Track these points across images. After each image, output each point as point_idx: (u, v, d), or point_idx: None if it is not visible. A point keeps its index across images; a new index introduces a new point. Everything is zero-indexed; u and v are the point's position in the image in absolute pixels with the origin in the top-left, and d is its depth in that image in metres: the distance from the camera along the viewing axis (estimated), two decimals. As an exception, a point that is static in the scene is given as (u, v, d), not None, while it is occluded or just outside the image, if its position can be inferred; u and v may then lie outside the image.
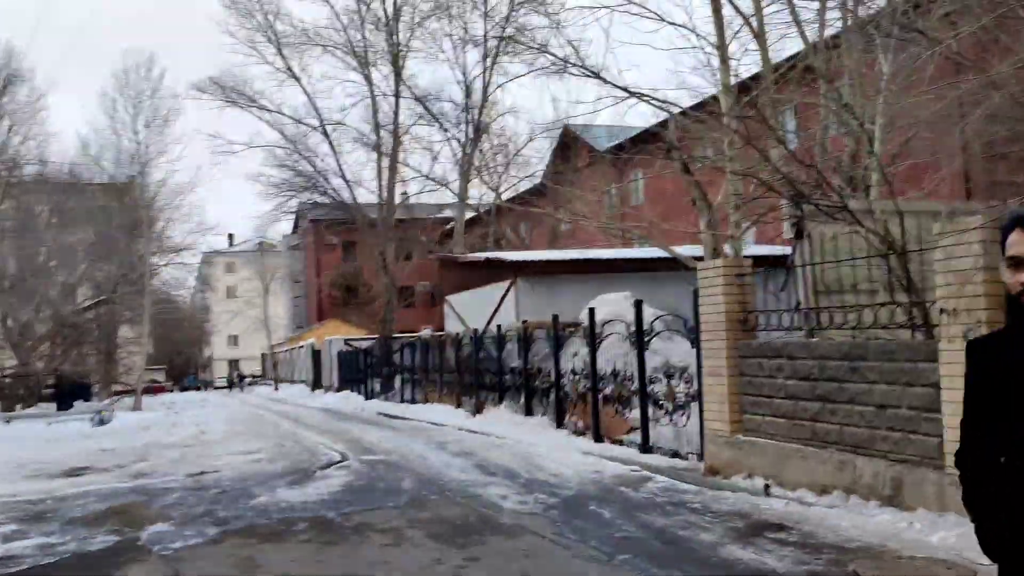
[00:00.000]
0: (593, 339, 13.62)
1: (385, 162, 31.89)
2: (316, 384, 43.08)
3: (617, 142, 38.73)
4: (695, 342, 10.75)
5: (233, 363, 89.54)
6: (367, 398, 30.80)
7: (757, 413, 9.24)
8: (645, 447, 11.96)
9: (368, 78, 33.04)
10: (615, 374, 13.03)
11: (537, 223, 34.88)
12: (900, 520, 7.06)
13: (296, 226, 70.59)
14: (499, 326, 18.40)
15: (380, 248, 32.08)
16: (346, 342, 39.45)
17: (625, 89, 13.32)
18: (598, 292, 19.34)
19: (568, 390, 14.78)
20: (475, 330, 19.71)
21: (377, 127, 32.13)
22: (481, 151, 33.31)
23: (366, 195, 32.22)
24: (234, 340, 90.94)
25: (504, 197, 33.18)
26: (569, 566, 6.43)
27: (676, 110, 13.99)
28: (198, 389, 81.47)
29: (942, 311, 6.80)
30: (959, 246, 6.64)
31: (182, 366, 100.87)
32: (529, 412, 16.55)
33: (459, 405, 20.77)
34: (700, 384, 10.60)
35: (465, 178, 32.60)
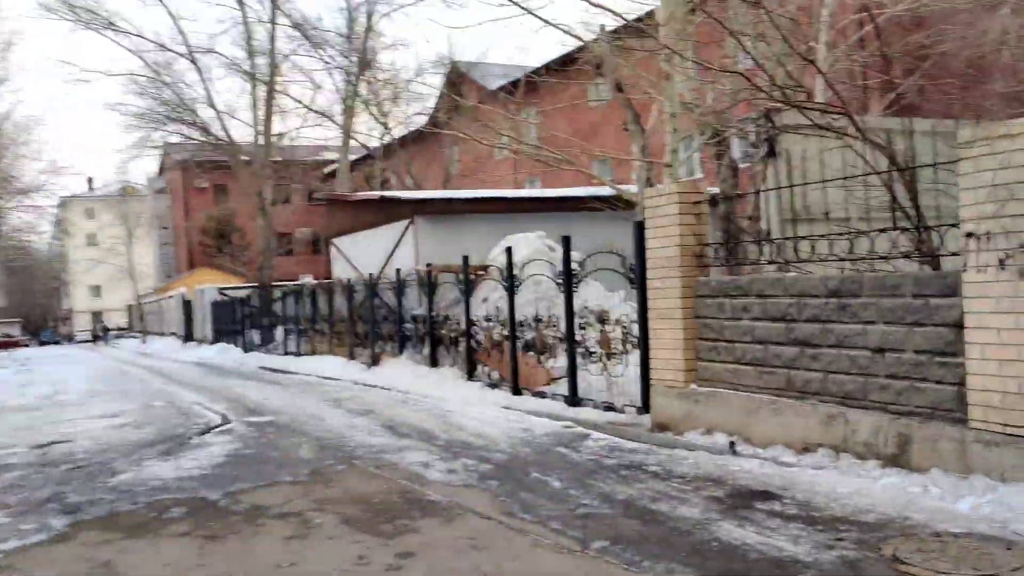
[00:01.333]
0: (511, 281, 12.20)
1: (261, 93, 29.25)
2: (188, 337, 40.25)
3: (512, 79, 37.16)
4: (636, 281, 9.47)
5: (96, 315, 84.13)
6: (246, 351, 28.59)
7: (716, 360, 8.04)
8: (573, 399, 10.69)
9: (241, 0, 30.14)
10: (537, 320, 11.67)
11: (430, 163, 33.03)
12: (911, 484, 5.98)
13: (162, 168, 66.18)
14: (398, 270, 16.74)
15: (257, 188, 29.60)
16: (220, 291, 36.74)
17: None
18: (505, 234, 17.89)
19: (480, 339, 13.35)
20: (370, 275, 17.97)
21: (251, 54, 29.43)
22: (369, 82, 31.01)
23: (240, 129, 29.57)
24: (97, 291, 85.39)
25: (394, 134, 31.05)
26: (537, 560, 5.04)
27: (599, 29, 12.57)
28: (57, 343, 76.18)
29: (969, 235, 5.66)
30: (996, 155, 5.49)
31: (39, 319, 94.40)
32: (435, 363, 15.06)
33: (352, 357, 19.07)
34: (644, 330, 9.36)
35: (350, 112, 30.29)
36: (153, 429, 11.19)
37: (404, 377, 15.32)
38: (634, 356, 9.84)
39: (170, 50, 29.41)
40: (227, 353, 29.57)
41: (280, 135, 32.84)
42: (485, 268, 14.08)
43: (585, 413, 10.14)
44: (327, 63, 32.02)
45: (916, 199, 6.26)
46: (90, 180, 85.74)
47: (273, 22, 30.12)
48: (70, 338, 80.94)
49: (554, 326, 11.24)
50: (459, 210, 18.52)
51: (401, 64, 50.78)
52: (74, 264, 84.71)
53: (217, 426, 11.18)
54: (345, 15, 31.66)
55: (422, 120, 34.42)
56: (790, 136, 7.78)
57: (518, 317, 12.19)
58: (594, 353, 10.31)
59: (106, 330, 59.60)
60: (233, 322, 31.30)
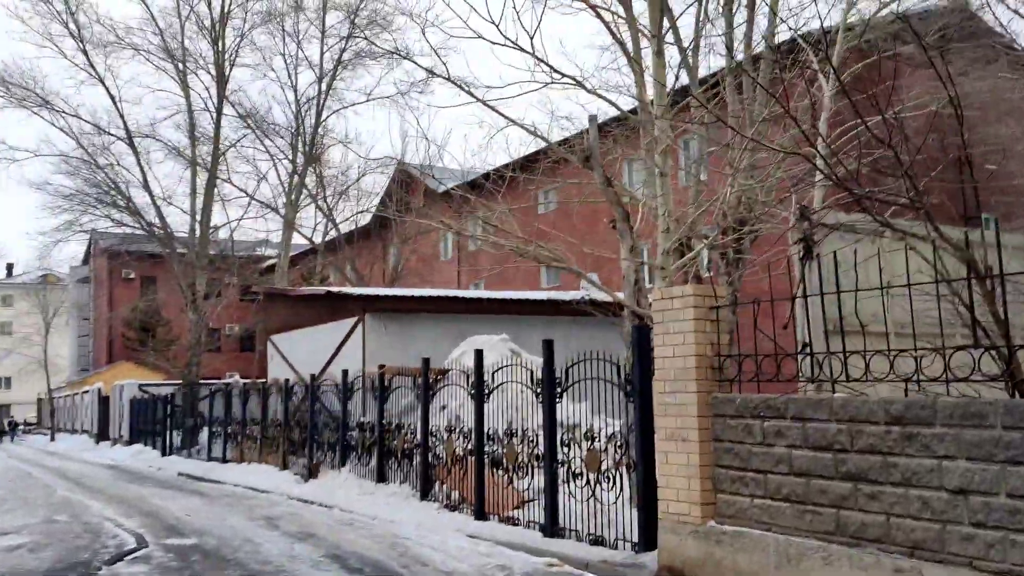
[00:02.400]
0: (480, 387, 10.92)
1: (201, 181, 27.94)
2: (103, 435, 37.49)
3: (467, 179, 36.60)
4: (635, 394, 8.30)
5: (3, 408, 79.00)
6: (164, 453, 26.41)
7: (743, 493, 6.83)
8: (552, 529, 9.30)
9: (186, 87, 29.10)
10: (510, 433, 10.35)
11: (374, 261, 31.81)
12: (1023, 666, 4.79)
13: (88, 256, 63.58)
14: (345, 371, 15.28)
15: (190, 280, 27.91)
16: (141, 387, 34.38)
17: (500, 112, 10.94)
18: (460, 336, 16.72)
19: (440, 452, 11.93)
20: (311, 375, 16.45)
21: (194, 141, 28.19)
22: (316, 175, 29.92)
23: (176, 217, 27.99)
24: (6, 382, 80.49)
25: (340, 229, 29.85)
26: None
27: (587, 121, 11.77)
28: (-44, 437, 70.98)
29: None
30: None
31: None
32: (382, 478, 13.50)
33: (285, 466, 17.31)
34: (645, 451, 8.14)
35: (293, 205, 29.07)
36: (52, 554, 9.37)
37: (346, 493, 13.69)
38: (629, 480, 8.57)
39: (108, 132, 28.08)
40: (144, 455, 27.29)
41: (217, 227, 31.40)
42: (444, 372, 12.79)
43: (569, 547, 8.76)
44: (271, 155, 30.99)
45: (1003, 314, 5.31)
46: (9, 267, 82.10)
47: (219, 110, 29.10)
48: (-27, 432, 75.68)
49: (531, 441, 9.93)
50: (411, 308, 17.28)
51: (349, 160, 50.12)
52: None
53: (131, 551, 9.43)
54: (293, 109, 30.64)
55: (367, 216, 33.40)
56: (828, 237, 6.89)
57: (488, 429, 10.86)
58: (579, 475, 9.00)
59: (13, 425, 55.54)
60: (153, 421, 29.06)
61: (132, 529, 11.17)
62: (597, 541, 8.71)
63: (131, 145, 27.64)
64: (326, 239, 30.36)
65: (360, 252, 32.05)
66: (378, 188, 35.01)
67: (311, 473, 15.76)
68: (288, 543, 9.91)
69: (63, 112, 28.53)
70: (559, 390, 9.53)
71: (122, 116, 28.42)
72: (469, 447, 11.20)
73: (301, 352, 19.72)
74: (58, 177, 31.65)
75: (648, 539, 8.02)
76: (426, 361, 12.55)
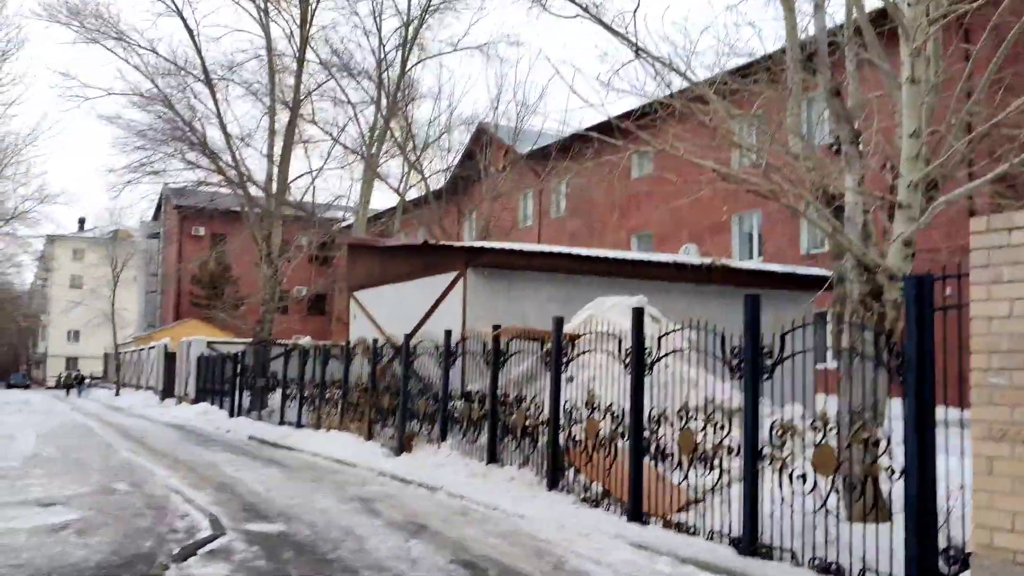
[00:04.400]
0: (640, 356, 8.62)
1: (281, 125, 26.00)
2: (167, 392, 36.22)
3: (554, 141, 34.19)
4: (907, 371, 5.90)
5: (71, 361, 79.40)
6: (232, 414, 24.70)
7: None
8: (753, 546, 6.98)
9: (267, 28, 27.16)
10: (685, 414, 8.01)
11: (461, 219, 29.68)
12: None
13: (158, 212, 62.92)
14: (448, 331, 13.12)
15: (265, 231, 26.09)
16: (209, 344, 32.93)
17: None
18: (573, 299, 14.46)
19: (578, 433, 9.67)
20: (406, 336, 14.34)
21: (273, 80, 26.23)
22: (405, 122, 27.68)
23: (253, 163, 26.08)
24: (74, 335, 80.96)
25: (428, 182, 27.68)
26: None
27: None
28: (27, 387, 71.39)
29: None
30: None
31: (10, 359, 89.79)
32: (493, 459, 11.32)
33: (371, 436, 15.28)
34: (911, 449, 5.77)
35: (375, 156, 26.89)
36: (106, 540, 7.37)
37: (450, 473, 11.55)
38: (875, 491, 6.20)
39: (185, 70, 26.24)
40: (210, 416, 25.65)
41: (296, 177, 29.39)
42: (575, 338, 10.51)
43: (784, 573, 6.44)
44: (353, 105, 28.87)
45: None
46: (81, 221, 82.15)
47: (301, 54, 27.00)
48: (42, 383, 76.20)
49: (718, 427, 7.58)
50: (519, 265, 15.02)
51: (437, 113, 47.94)
52: (54, 305, 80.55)
53: (206, 540, 7.38)
54: (377, 55, 28.40)
55: (451, 174, 31.24)
56: None
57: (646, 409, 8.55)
58: (800, 478, 6.64)
59: (80, 379, 54.98)
60: (221, 380, 27.42)
61: (204, 507, 9.17)
62: (827, 569, 6.36)
63: (208, 83, 25.81)
64: (405, 193, 28.07)
65: (448, 211, 29.91)
66: (457, 145, 32.82)
67: (403, 446, 13.68)
68: (398, 538, 7.77)
69: (138, 46, 26.82)
70: (770, 363, 7.16)
71: (199, 51, 26.57)
72: (620, 430, 8.91)
73: (389, 310, 17.66)
74: (131, 112, 29.98)
75: (923, 573, 5.66)
76: (559, 321, 10.27)
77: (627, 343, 8.97)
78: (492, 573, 6.63)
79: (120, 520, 8.27)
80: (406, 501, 10.18)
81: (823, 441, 6.57)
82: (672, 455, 8.14)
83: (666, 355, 8.42)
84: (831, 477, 6.52)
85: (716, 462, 7.63)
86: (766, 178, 8.01)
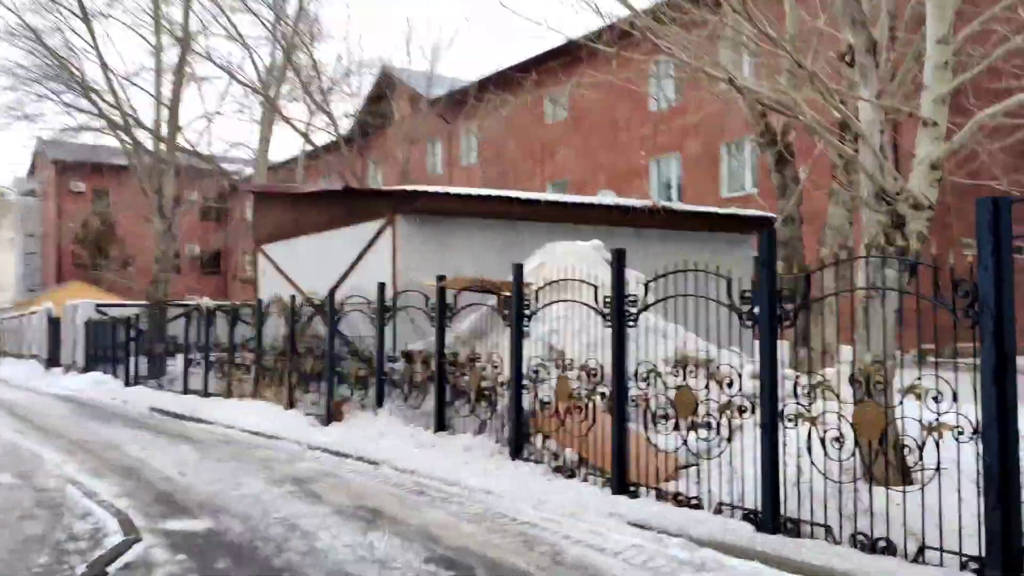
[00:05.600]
0: (621, 305, 7.51)
1: (171, 68, 23.56)
2: (53, 361, 33.45)
3: (459, 87, 32.56)
4: (984, 317, 4.95)
5: (-57, 331, 73.72)
6: (128, 383, 22.68)
7: None
8: (775, 519, 6.02)
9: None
10: (683, 368, 6.96)
11: (383, 162, 27.83)
12: None
13: (33, 168, 58.46)
14: (381, 285, 11.74)
15: (156, 183, 23.84)
16: (98, 308, 30.37)
17: None
18: (513, 246, 13.32)
19: (546, 393, 8.54)
20: (331, 291, 12.88)
21: (158, 22, 23.74)
22: (310, 59, 25.50)
23: (140, 104, 23.58)
24: (-55, 303, 75.20)
25: (337, 124, 25.68)
26: None
27: None
28: None
29: None
30: None
31: None
32: (443, 426, 10.11)
33: (292, 404, 13.84)
34: (993, 406, 4.85)
35: (272, 98, 24.73)
36: (-13, 555, 5.88)
37: (394, 444, 10.30)
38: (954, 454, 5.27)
39: (58, 3, 23.38)
40: (104, 385, 23.50)
41: (188, 124, 26.83)
42: (541, 287, 9.34)
43: (832, 555, 5.48)
44: (246, 44, 26.52)
45: None
46: (-52, 179, 75.95)
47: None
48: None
49: (724, 383, 6.55)
50: (454, 211, 13.68)
51: (336, 58, 45.21)
52: (-80, 271, 74.59)
53: (117, 552, 5.93)
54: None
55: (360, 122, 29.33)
56: None
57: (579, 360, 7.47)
58: (837, 442, 5.68)
59: (-47, 349, 50.87)
60: (113, 347, 25.23)
61: (110, 501, 7.67)
62: (873, 546, 5.44)
63: (85, 19, 23.06)
64: (311, 136, 26.02)
65: (359, 157, 28.05)
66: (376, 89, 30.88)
67: (331, 415, 12.33)
68: (354, 531, 6.52)
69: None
70: (792, 309, 6.13)
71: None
72: (600, 390, 7.82)
73: (304, 265, 16.08)
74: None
75: (1008, 554, 4.79)
76: (518, 268, 9.07)
77: (607, 292, 7.84)
78: (480, 573, 5.48)
79: (2, 527, 6.73)
80: (348, 480, 8.90)
81: (863, 399, 5.61)
82: (667, 417, 7.09)
83: (656, 303, 7.32)
84: (873, 440, 5.58)
85: (723, 424, 6.61)
86: (783, 91, 6.90)
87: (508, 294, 9.52)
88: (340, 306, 12.62)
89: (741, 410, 6.43)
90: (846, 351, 7.12)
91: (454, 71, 36.27)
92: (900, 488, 5.48)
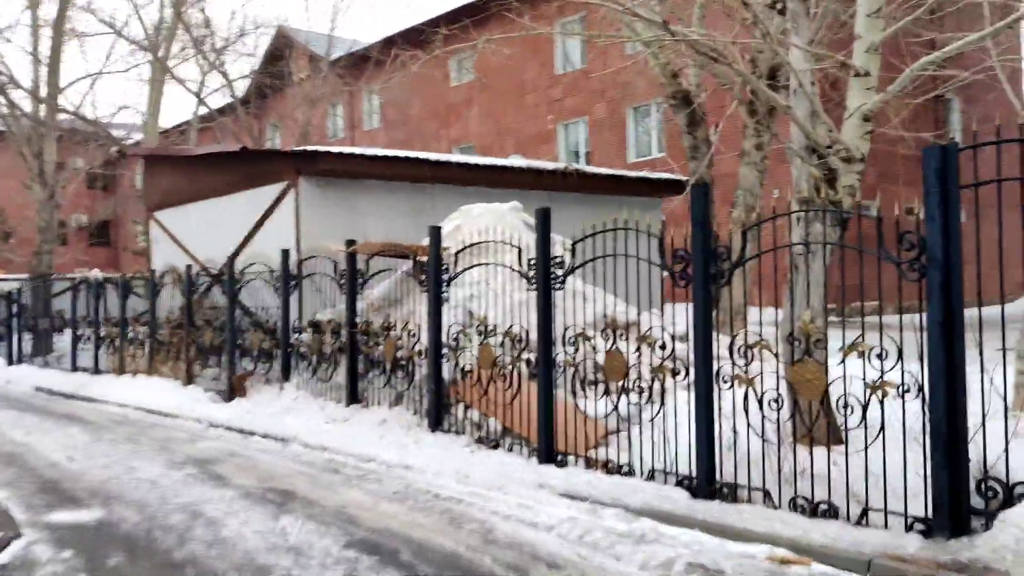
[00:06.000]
0: (546, 267, 7.13)
1: (50, 22, 21.86)
2: (-74, 340, 31.19)
3: (359, 48, 31.46)
4: (932, 269, 4.74)
5: None
6: (11, 362, 21.27)
7: None
8: (710, 484, 5.79)
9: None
10: (613, 331, 6.63)
11: (282, 125, 26.55)
12: None
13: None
14: (285, 251, 11.07)
15: (35, 147, 22.23)
16: (-25, 283, 28.41)
17: None
18: (423, 211, 12.87)
19: (467, 361, 8.11)
20: (229, 258, 12.12)
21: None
22: (203, 17, 24.04)
23: (15, 62, 21.83)
24: None
25: (232, 86, 24.32)
26: None
27: None
28: None
29: None
30: None
31: None
32: (355, 398, 9.58)
33: (190, 380, 13.04)
34: (938, 362, 4.68)
35: (166, 49, 23.22)
36: None
37: (300, 419, 9.74)
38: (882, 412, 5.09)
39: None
40: (-17, 365, 21.99)
41: (70, 84, 24.90)
42: (459, 250, 8.88)
43: (774, 520, 5.27)
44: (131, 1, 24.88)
45: None
46: None
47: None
48: None
49: (660, 346, 6.25)
50: (360, 173, 13.01)
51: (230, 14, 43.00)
52: None
53: (-10, 550, 5.29)
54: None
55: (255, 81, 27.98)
56: None
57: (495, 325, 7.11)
58: (767, 400, 5.45)
59: None
60: (-7, 323, 23.61)
61: (-14, 492, 6.93)
62: (815, 509, 5.25)
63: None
64: (205, 97, 24.62)
65: (257, 120, 26.77)
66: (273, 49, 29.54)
67: (233, 390, 11.63)
68: (264, 516, 6.01)
69: None
70: (727, 267, 5.86)
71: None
72: (526, 356, 7.45)
73: (200, 232, 15.16)
74: None
75: (955, 513, 4.64)
76: (435, 231, 8.57)
77: (532, 254, 7.44)
78: (405, 556, 5.06)
79: None
80: (255, 459, 8.33)
81: (805, 357, 5.38)
82: (596, 382, 6.78)
83: (583, 264, 6.96)
84: (815, 401, 5.37)
85: (654, 387, 6.32)
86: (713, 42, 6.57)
87: (424, 258, 9.05)
88: (240, 275, 11.88)
89: (675, 373, 6.14)
90: (754, 312, 6.91)
91: (355, 33, 35.15)
92: (841, 450, 5.31)
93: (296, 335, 10.78)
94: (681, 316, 6.29)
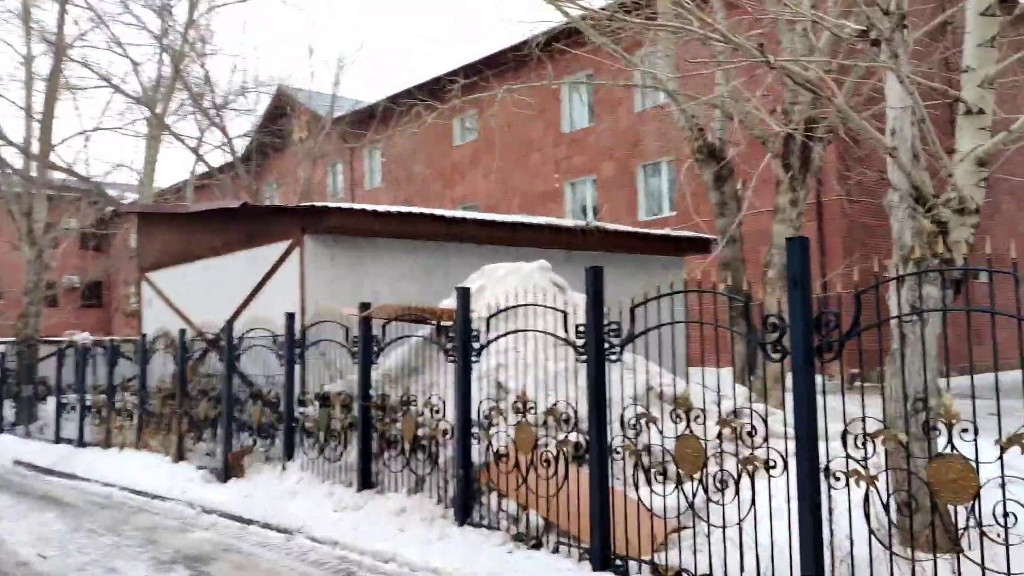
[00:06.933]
0: (600, 332, 6.12)
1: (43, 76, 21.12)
2: (-94, 407, 29.85)
3: (364, 107, 30.83)
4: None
5: None
6: (-7, 432, 20.02)
7: None
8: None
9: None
10: (687, 412, 5.59)
11: (282, 184, 25.75)
12: None
13: None
14: (290, 315, 10.05)
15: (26, 206, 21.31)
16: (-41, 347, 27.25)
17: None
18: (435, 271, 11.95)
19: (500, 442, 7.03)
20: (228, 323, 11.08)
21: (27, 22, 21.34)
22: (203, 71, 23.36)
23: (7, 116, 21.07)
24: None
25: (232, 144, 23.51)
26: None
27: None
28: None
29: None
30: None
31: None
32: (369, 483, 8.46)
33: (181, 456, 11.89)
34: None
35: (164, 107, 22.49)
36: None
37: (305, 506, 8.59)
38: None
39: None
40: (-38, 435, 20.73)
41: (64, 140, 23.95)
42: (492, 314, 7.85)
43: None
44: (127, 53, 24.20)
45: None
46: None
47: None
48: None
49: (748, 433, 5.21)
50: (369, 231, 12.08)
51: (231, 72, 42.56)
52: None
53: None
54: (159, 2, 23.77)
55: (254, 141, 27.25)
56: None
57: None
58: (905, 502, 4.40)
59: None
60: (-25, 390, 22.40)
61: (-66, 606, 5.80)
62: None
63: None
64: (204, 154, 23.76)
65: (257, 179, 25.93)
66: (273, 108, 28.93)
67: (229, 468, 10.48)
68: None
69: None
70: (836, 336, 4.86)
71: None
72: (578, 439, 6.39)
73: (196, 294, 14.15)
74: None
75: None
76: (464, 293, 7.57)
77: (576, 318, 6.45)
78: None
79: None
80: (255, 557, 7.20)
81: (951, 451, 4.35)
82: (664, 473, 5.71)
83: (646, 332, 5.95)
84: (962, 505, 4.33)
85: (741, 482, 5.26)
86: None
87: (447, 323, 8.04)
88: (239, 340, 10.84)
89: (769, 466, 5.09)
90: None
91: (355, 94, 34.59)
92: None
93: (301, 408, 9.70)
94: (726, 383, 5.33)
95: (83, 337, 22.67)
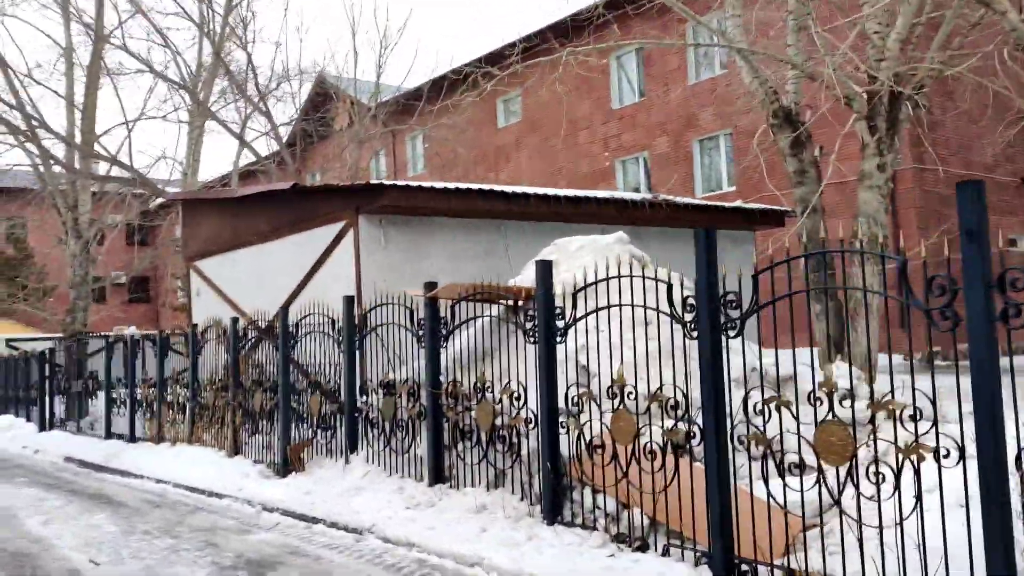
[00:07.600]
0: (715, 306, 5.32)
1: (81, 74, 20.71)
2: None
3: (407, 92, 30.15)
4: None
5: None
6: (43, 427, 19.77)
7: None
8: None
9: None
10: (829, 392, 4.77)
11: (327, 171, 25.18)
12: None
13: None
14: (349, 299, 9.37)
15: (71, 200, 20.95)
16: (8, 343, 27.25)
17: None
18: (495, 250, 11.23)
19: (593, 433, 6.25)
20: (282, 310, 10.45)
21: (67, 12, 20.92)
22: (245, 57, 22.83)
23: (49, 109, 20.58)
24: None
25: (278, 130, 22.93)
26: None
27: None
28: None
29: None
30: None
31: None
32: (441, 477, 7.76)
33: (237, 451, 11.34)
34: None
35: (206, 92, 21.95)
36: None
37: (373, 502, 7.90)
38: None
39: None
40: (14, 430, 20.55)
41: (106, 131, 23.54)
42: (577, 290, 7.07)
43: None
44: (172, 48, 23.75)
45: None
46: None
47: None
48: None
49: (914, 416, 4.39)
50: (425, 209, 11.36)
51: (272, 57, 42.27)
52: None
53: None
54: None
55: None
56: None
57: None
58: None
59: None
60: (26, 385, 22.19)
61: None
62: None
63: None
64: (249, 140, 23.22)
65: (300, 166, 25.36)
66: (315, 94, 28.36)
67: (288, 463, 9.87)
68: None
69: None
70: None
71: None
72: (688, 428, 5.60)
73: (246, 281, 13.57)
74: None
75: None
76: (545, 266, 6.80)
77: (680, 290, 5.65)
78: None
79: None
80: (325, 561, 6.52)
81: None
82: (800, 465, 4.89)
83: (774, 301, 5.12)
84: None
85: (902, 476, 4.44)
86: None
87: (522, 302, 7.30)
88: (295, 326, 10.19)
89: (940, 455, 4.25)
90: None
91: (396, 81, 33.96)
92: None
93: (363, 397, 9.02)
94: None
95: (132, 331, 22.34)
